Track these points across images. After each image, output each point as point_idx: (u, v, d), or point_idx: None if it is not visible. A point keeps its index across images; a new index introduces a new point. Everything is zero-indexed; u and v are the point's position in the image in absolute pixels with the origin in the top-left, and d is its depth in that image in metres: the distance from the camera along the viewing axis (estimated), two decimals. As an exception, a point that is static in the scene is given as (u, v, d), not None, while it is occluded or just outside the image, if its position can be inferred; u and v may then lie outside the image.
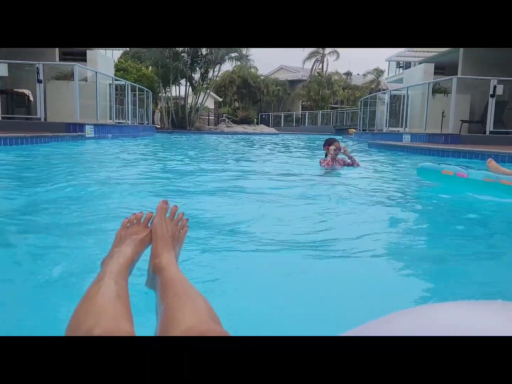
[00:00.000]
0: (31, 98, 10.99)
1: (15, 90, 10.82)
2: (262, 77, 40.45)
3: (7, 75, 9.83)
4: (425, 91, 11.45)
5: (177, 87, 25.98)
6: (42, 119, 9.84)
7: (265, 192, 3.57)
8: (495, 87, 10.01)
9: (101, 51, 15.69)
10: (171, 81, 24.25)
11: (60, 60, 13.76)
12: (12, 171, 4.88)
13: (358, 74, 42.45)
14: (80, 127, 9.69)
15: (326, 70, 41.45)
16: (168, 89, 25.28)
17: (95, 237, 2.08)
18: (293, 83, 41.28)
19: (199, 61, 24.55)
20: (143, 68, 26.06)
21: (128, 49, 19.44)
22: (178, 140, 15.10)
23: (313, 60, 41.35)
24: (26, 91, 10.90)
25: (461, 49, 13.00)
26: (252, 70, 38.95)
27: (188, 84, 25.13)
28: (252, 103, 39.42)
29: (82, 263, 1.71)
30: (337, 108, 37.13)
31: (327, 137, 5.87)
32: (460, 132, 10.86)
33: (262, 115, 39.01)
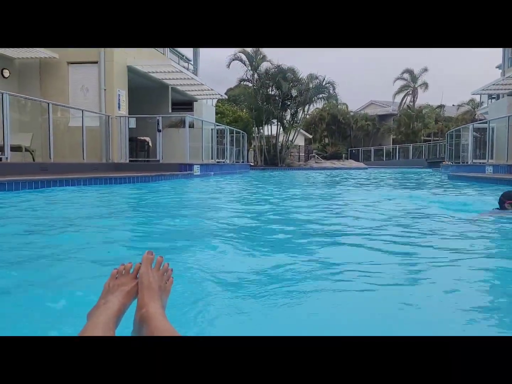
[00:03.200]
0: (150, 144, 13.35)
1: (138, 138, 13.24)
2: (351, 113, 41.49)
3: (135, 127, 12.20)
4: (507, 123, 11.72)
5: (269, 127, 28.04)
6: (160, 161, 11.98)
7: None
8: None
9: (204, 101, 18.11)
10: (263, 122, 26.39)
11: (171, 111, 16.23)
12: (139, 200, 6.57)
13: (453, 105, 41.60)
14: (189, 166, 11.66)
15: (415, 101, 41.17)
16: (261, 129, 27.41)
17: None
18: (383, 117, 41.64)
19: (289, 103, 26.43)
20: (238, 110, 28.71)
21: (225, 96, 21.85)
22: (272, 176, 16.64)
23: (403, 93, 41.50)
24: (147, 138, 13.28)
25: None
26: (343, 106, 40.30)
27: (279, 124, 27.09)
28: (341, 138, 40.45)
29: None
30: (430, 140, 36.64)
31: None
32: (547, 162, 10.89)
33: (352, 150, 39.69)
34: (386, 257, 2.68)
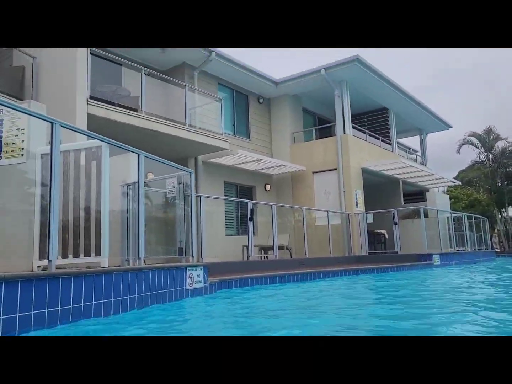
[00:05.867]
0: (386, 236, 14.10)
1: (375, 231, 14.20)
2: None
3: (372, 221, 13.29)
4: None
5: (514, 208, 25.29)
6: (398, 252, 12.52)
7: None
8: None
9: (435, 189, 18.09)
10: (506, 204, 24.04)
11: (403, 202, 16.83)
12: (384, 291, 7.18)
13: None
14: (428, 256, 11.81)
15: None
16: (504, 211, 24.93)
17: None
18: None
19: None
20: (474, 193, 26.99)
21: (458, 181, 21.17)
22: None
23: None
24: (383, 231, 14.12)
25: None
26: None
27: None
28: None
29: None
30: None
31: None
32: None
33: None
34: None
